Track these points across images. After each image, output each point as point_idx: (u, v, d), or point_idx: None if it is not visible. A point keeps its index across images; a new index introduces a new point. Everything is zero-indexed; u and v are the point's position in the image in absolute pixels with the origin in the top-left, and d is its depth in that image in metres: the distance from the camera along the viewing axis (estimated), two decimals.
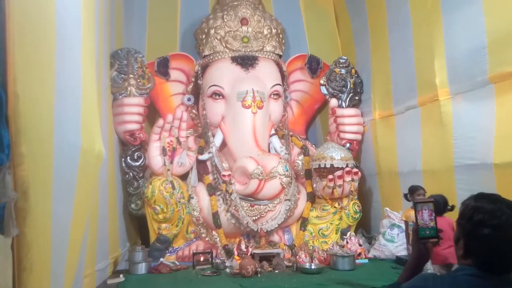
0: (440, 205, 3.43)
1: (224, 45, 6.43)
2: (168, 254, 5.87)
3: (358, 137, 6.66)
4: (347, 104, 6.69)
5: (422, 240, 1.46)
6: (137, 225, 6.39)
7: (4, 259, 1.99)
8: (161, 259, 5.64)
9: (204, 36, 6.55)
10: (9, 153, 1.99)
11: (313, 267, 5.15)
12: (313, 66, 6.92)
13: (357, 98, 6.76)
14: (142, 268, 5.29)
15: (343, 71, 6.75)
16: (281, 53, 6.77)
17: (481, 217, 1.19)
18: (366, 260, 5.64)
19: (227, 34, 6.42)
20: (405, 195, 3.91)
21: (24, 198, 2.09)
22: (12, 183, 1.96)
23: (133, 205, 6.07)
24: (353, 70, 6.79)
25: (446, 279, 1.23)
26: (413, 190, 3.85)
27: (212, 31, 6.47)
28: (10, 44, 2.10)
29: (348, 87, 6.71)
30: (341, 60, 6.80)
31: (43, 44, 2.51)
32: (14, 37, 2.18)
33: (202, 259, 5.60)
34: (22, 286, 2.12)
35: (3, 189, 1.85)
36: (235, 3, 6.67)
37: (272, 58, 6.61)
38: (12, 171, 2.02)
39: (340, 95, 6.71)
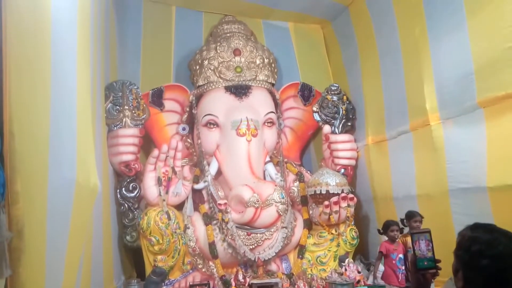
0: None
1: (217, 75, 6.53)
2: (164, 287, 5.74)
3: (352, 162, 6.70)
4: (340, 130, 6.77)
5: (420, 271, 1.46)
6: (132, 258, 6.27)
7: None
8: None
9: (198, 67, 6.66)
10: (4, 192, 1.98)
11: None
12: (306, 93, 7.04)
13: (349, 124, 6.85)
14: None
15: (335, 98, 6.86)
16: (273, 82, 6.88)
17: (478, 247, 1.21)
18: (366, 287, 5.56)
19: (221, 65, 6.54)
20: (402, 220, 3.92)
21: (19, 237, 2.07)
22: (6, 222, 1.94)
23: (128, 237, 5.97)
24: (344, 97, 6.91)
25: None
26: (410, 216, 3.86)
27: (206, 62, 6.58)
28: (6, 84, 2.13)
29: (341, 114, 6.80)
30: (333, 88, 6.93)
31: (39, 81, 2.54)
32: (10, 76, 2.21)
33: None
34: None
35: None
36: (228, 34, 6.84)
37: (265, 86, 6.71)
38: (7, 210, 2.00)
39: (333, 121, 6.80)
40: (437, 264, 1.45)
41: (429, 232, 1.53)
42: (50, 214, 2.44)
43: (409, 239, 3.85)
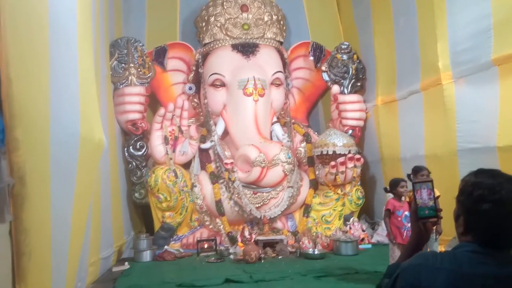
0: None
1: (224, 33, 6.37)
2: (172, 242, 5.91)
3: (361, 123, 6.62)
4: (349, 90, 6.64)
5: (421, 220, 1.43)
6: (141, 214, 6.43)
7: (3, 245, 2.00)
8: (166, 247, 5.68)
9: (204, 24, 6.49)
10: (4, 138, 1.99)
11: (316, 252, 5.17)
12: (317, 54, 6.83)
13: (359, 84, 6.70)
14: (147, 256, 5.34)
15: (344, 57, 6.67)
16: (282, 40, 6.70)
17: (481, 192, 1.17)
18: (370, 245, 5.66)
19: (227, 22, 6.36)
20: (408, 176, 3.88)
21: (20, 183, 2.09)
22: (7, 169, 1.95)
23: (136, 194, 6.10)
24: (355, 56, 6.72)
25: (446, 256, 1.21)
26: (417, 171, 3.81)
27: (212, 19, 6.41)
28: (1, 27, 2.08)
29: (350, 73, 6.64)
30: (343, 46, 6.72)
31: (36, 29, 2.49)
32: (5, 20, 2.15)
33: (206, 246, 5.64)
34: (22, 271, 2.13)
35: None
36: None
37: (273, 45, 6.55)
38: (8, 156, 2.01)
39: (342, 81, 6.66)
40: (438, 213, 1.41)
41: (431, 181, 1.49)
42: (54, 164, 2.46)
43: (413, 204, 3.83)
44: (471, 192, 1.19)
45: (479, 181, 1.20)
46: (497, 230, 1.15)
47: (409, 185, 3.96)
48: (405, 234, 3.77)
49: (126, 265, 5.02)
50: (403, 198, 3.92)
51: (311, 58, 6.83)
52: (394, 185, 3.91)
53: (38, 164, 2.33)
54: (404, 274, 1.25)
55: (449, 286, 1.12)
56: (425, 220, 1.46)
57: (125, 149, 6.11)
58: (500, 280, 1.12)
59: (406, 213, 3.81)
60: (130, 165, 6.11)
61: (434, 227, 1.49)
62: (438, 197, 1.50)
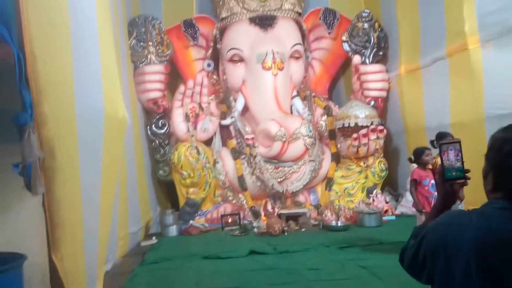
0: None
1: (241, 6, 6.27)
2: (197, 217, 6.04)
3: (383, 94, 6.47)
4: (371, 60, 6.47)
5: (448, 182, 1.40)
6: (166, 191, 6.58)
7: (37, 216, 2.09)
8: (191, 222, 5.82)
9: None
10: (32, 113, 2.05)
11: (339, 224, 5.18)
12: (329, 20, 6.57)
13: (381, 53, 6.51)
14: (173, 231, 5.49)
15: (366, 25, 6.47)
16: (300, 11, 6.54)
17: (510, 147, 1.13)
18: (393, 217, 5.64)
19: None
20: (432, 142, 3.79)
21: (51, 157, 2.17)
22: (37, 143, 2.02)
23: (161, 172, 6.22)
24: (376, 24, 6.50)
25: (474, 213, 1.18)
26: (441, 137, 3.71)
27: None
28: (23, 5, 2.11)
29: (372, 42, 6.45)
30: (364, 14, 6.50)
31: (56, 9, 2.52)
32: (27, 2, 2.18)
33: (230, 220, 5.74)
34: (56, 242, 2.24)
35: (29, 148, 1.92)
36: None
37: (291, 16, 6.41)
38: (37, 130, 2.08)
39: (363, 51, 6.48)
40: (466, 174, 1.38)
41: (459, 142, 1.44)
42: (81, 139, 2.54)
43: (439, 160, 3.75)
44: (501, 147, 1.15)
45: (509, 136, 1.16)
46: None
47: (434, 152, 3.88)
48: (433, 202, 3.73)
49: (154, 240, 5.19)
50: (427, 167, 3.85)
51: (323, 23, 6.55)
52: (418, 154, 3.84)
53: (66, 138, 2.41)
54: (430, 233, 1.23)
55: (477, 242, 1.10)
56: (452, 181, 1.42)
57: (148, 127, 6.21)
58: None
59: (433, 181, 3.75)
60: (153, 143, 6.22)
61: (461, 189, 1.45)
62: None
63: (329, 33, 6.64)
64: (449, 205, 1.45)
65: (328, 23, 6.60)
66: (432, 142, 3.81)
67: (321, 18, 6.61)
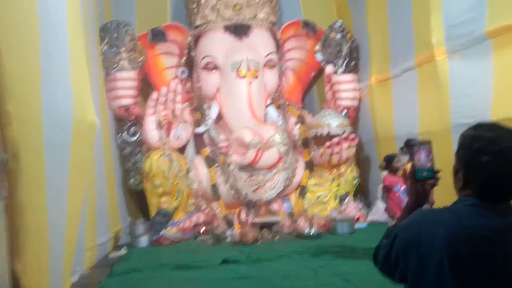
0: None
1: (216, 14, 6.27)
2: (169, 227, 5.89)
3: (355, 103, 6.60)
4: (343, 70, 6.60)
5: (419, 182, 1.42)
6: (137, 200, 6.41)
7: None
8: (163, 232, 5.68)
9: (195, 6, 6.38)
10: None
11: (312, 232, 5.19)
12: (310, 29, 6.75)
13: (353, 63, 6.66)
14: (144, 241, 5.35)
15: (338, 36, 6.61)
16: (274, 20, 6.62)
17: (480, 144, 1.16)
18: (365, 224, 5.71)
19: (219, 2, 6.26)
20: (402, 149, 3.90)
21: (14, 159, 2.06)
22: (0, 144, 1.92)
23: (132, 180, 6.06)
24: (348, 35, 6.66)
25: (444, 211, 1.20)
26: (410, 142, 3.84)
27: (203, 0, 6.30)
28: None
29: (344, 53, 6.59)
30: (337, 25, 6.65)
31: (25, 9, 2.42)
32: None
33: (203, 230, 5.65)
34: (19, 249, 2.12)
35: None
36: None
37: (266, 26, 6.47)
38: (0, 131, 1.97)
39: (336, 61, 6.61)
40: (437, 174, 1.40)
41: (429, 142, 1.47)
42: (47, 142, 2.43)
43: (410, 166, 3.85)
44: (471, 145, 1.18)
45: (479, 134, 1.19)
46: (497, 183, 1.15)
47: (403, 159, 3.98)
48: None
49: (123, 251, 5.02)
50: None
51: (307, 31, 6.68)
52: (389, 161, 3.92)
53: (32, 140, 2.30)
54: (403, 232, 1.24)
55: (448, 239, 1.12)
56: (423, 181, 1.44)
57: (119, 135, 6.06)
58: (498, 231, 1.12)
59: (404, 187, 3.83)
60: (124, 151, 6.07)
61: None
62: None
63: (314, 35, 6.73)
64: (420, 206, 1.47)
65: (311, 30, 6.71)
66: (402, 149, 3.90)
67: (304, 29, 6.71)
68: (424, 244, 1.15)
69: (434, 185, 1.46)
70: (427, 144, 1.48)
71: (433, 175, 1.44)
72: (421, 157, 1.47)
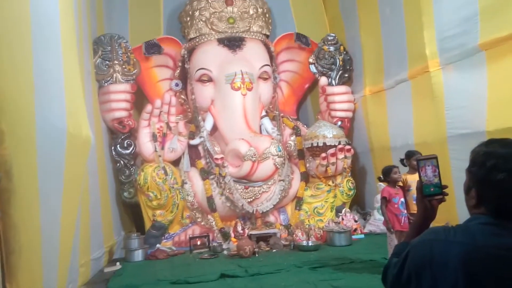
0: None
1: (209, 27, 6.29)
2: (164, 240, 5.81)
3: (349, 114, 6.63)
4: (337, 82, 6.64)
5: (427, 198, 1.40)
6: (131, 213, 6.32)
7: None
8: (158, 245, 5.59)
9: (188, 19, 6.40)
10: None
11: (310, 244, 5.15)
12: (303, 41, 6.79)
13: (346, 75, 6.71)
14: (138, 255, 5.25)
15: (331, 48, 6.67)
16: (268, 33, 6.66)
17: (494, 162, 1.13)
18: (362, 235, 5.68)
19: (212, 16, 6.28)
20: (401, 160, 3.89)
21: (7, 177, 2.00)
22: None
23: (126, 193, 5.98)
24: (341, 47, 6.72)
25: (458, 229, 1.18)
26: (410, 155, 3.83)
27: (197, 13, 6.32)
28: None
29: (337, 65, 6.64)
30: (329, 38, 6.72)
31: (18, 25, 2.39)
32: None
33: (199, 243, 5.57)
34: (12, 269, 2.04)
35: None
36: None
37: (259, 38, 6.50)
38: None
39: (329, 73, 6.66)
40: (444, 190, 1.39)
41: (435, 158, 1.45)
42: (41, 159, 2.37)
43: (409, 177, 3.85)
44: (484, 162, 1.16)
45: (491, 150, 1.17)
46: (510, 200, 1.13)
47: (402, 170, 3.97)
48: (402, 220, 3.78)
49: (118, 265, 4.92)
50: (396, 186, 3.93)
51: (299, 44, 6.71)
52: (387, 173, 3.91)
53: (25, 158, 2.24)
54: (415, 250, 1.21)
55: (464, 258, 1.09)
56: (430, 197, 1.43)
57: (112, 148, 5.99)
58: None
59: (402, 199, 3.82)
60: (118, 164, 5.99)
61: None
62: None
63: (308, 47, 6.75)
64: (429, 221, 1.45)
65: (303, 43, 6.74)
66: (401, 160, 3.90)
67: (296, 41, 6.74)
68: (438, 264, 1.12)
69: (442, 200, 1.44)
70: (433, 159, 1.47)
71: (440, 191, 1.43)
72: (428, 172, 1.46)
